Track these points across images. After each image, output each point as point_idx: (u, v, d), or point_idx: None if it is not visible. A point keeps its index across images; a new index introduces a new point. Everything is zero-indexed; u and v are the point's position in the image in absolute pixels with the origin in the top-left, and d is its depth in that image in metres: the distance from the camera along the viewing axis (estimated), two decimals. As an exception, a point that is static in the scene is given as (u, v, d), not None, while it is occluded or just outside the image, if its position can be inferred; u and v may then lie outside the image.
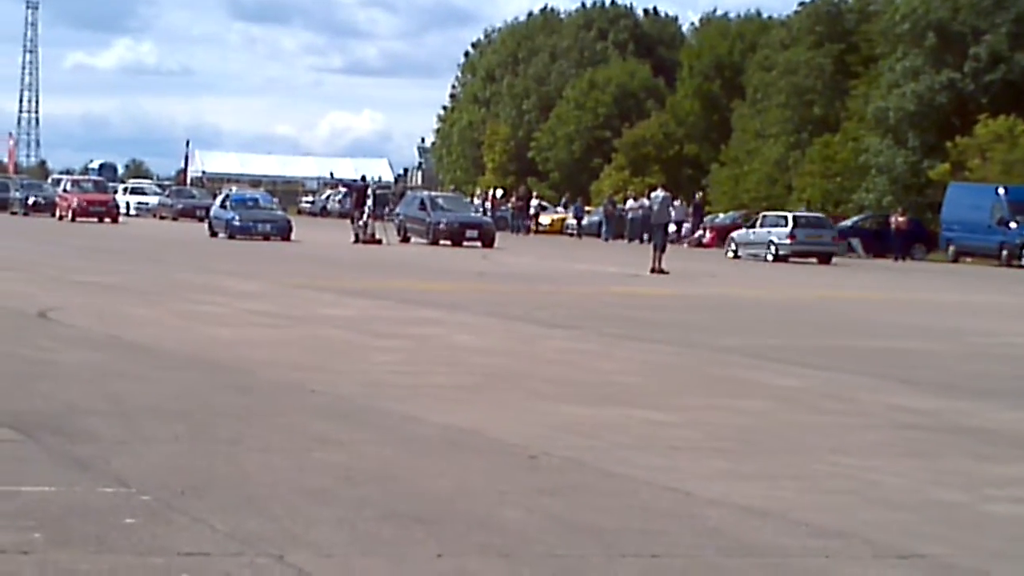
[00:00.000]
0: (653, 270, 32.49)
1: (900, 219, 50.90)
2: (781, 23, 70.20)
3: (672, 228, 36.42)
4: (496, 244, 45.66)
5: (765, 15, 76.42)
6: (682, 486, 7.69)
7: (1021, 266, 39.45)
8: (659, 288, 28.41)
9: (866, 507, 7.40)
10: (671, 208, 36.92)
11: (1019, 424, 11.18)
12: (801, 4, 66.49)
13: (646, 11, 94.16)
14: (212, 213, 48.06)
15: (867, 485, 8.04)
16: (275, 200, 57.70)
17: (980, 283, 37.30)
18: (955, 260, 44.70)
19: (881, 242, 51.51)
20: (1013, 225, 47.37)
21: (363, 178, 48.77)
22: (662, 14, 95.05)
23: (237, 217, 44.39)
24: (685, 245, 54.65)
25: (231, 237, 43.40)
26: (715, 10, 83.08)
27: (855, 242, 52.22)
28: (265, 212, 47.29)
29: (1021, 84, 54.39)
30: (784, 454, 9.19)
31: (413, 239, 47.14)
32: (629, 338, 17.34)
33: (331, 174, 52.04)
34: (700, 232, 57.17)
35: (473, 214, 50.81)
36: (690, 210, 58.60)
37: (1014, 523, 7.27)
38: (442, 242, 45.39)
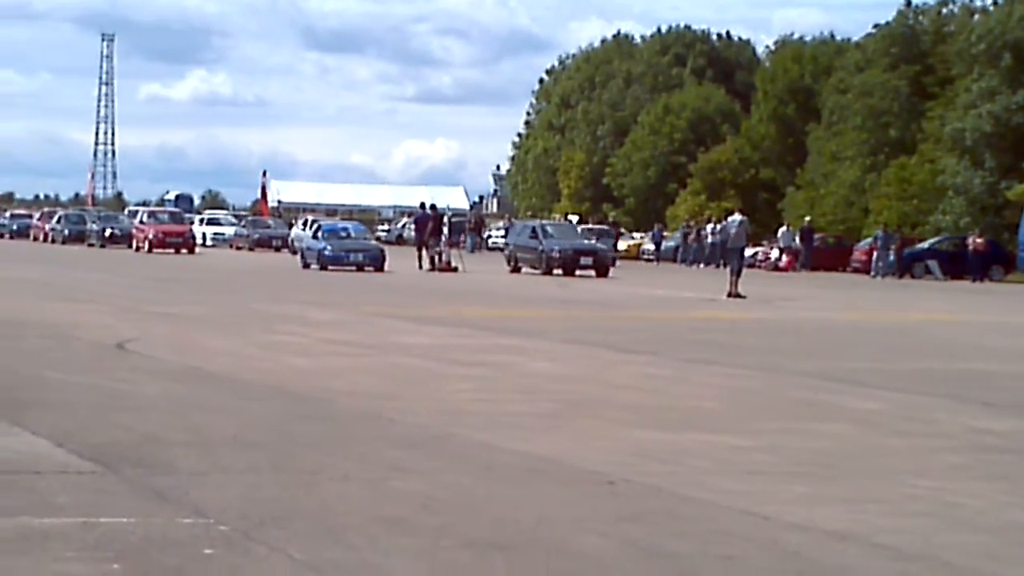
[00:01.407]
0: (730, 294, 32.29)
1: (978, 240, 50.26)
2: (856, 45, 69.92)
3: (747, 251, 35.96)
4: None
5: (840, 37, 77.00)
6: (761, 510, 7.62)
7: (551, 272, 42.61)
8: (737, 312, 28.24)
9: (947, 530, 7.30)
10: (748, 231, 36.52)
11: None
12: (876, 26, 66.68)
13: (720, 35, 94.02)
14: (304, 244, 47.68)
15: (948, 507, 7.93)
16: (366, 230, 56.49)
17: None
18: (515, 268, 46.67)
19: (958, 264, 50.81)
20: None
21: (433, 207, 47.86)
22: (736, 38, 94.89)
23: (329, 247, 43.45)
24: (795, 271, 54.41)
25: (323, 268, 42.77)
26: (792, 33, 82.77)
27: (932, 264, 51.94)
28: (358, 242, 46.00)
29: None
30: (864, 478, 9.08)
31: (524, 269, 45.41)
32: (706, 362, 17.27)
33: (422, 204, 49.92)
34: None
35: (586, 241, 48.02)
36: (797, 236, 57.45)
37: None
38: (555, 272, 43.36)
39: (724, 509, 7.69)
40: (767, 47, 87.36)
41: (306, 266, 44.70)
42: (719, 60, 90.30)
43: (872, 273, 51.20)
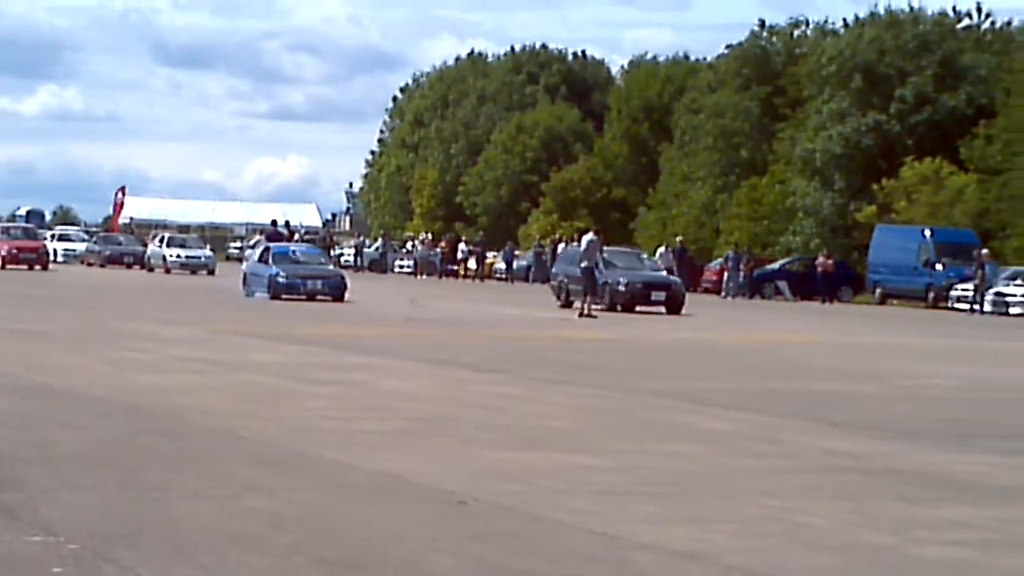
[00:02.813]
0: (582, 314, 32.58)
1: (827, 261, 51.05)
2: (709, 66, 70.89)
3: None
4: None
5: (693, 58, 78.21)
6: (611, 530, 7.68)
7: (947, 308, 39.56)
8: (588, 332, 28.50)
9: (796, 550, 7.44)
10: (601, 250, 36.89)
11: (947, 466, 11.24)
12: (728, 47, 67.52)
13: (575, 55, 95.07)
14: (247, 268, 41.03)
15: (796, 528, 8.08)
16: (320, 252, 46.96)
17: (906, 325, 37.82)
18: (882, 302, 45.08)
19: (808, 284, 51.71)
20: (939, 267, 48.03)
21: (286, 224, 46.41)
22: (591, 58, 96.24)
23: (281, 273, 37.17)
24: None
25: (275, 297, 36.49)
26: (645, 53, 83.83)
27: (782, 285, 52.85)
28: (313, 267, 39.38)
29: (947, 126, 54.87)
30: (713, 497, 9.22)
31: (577, 302, 35.88)
32: (558, 382, 17.43)
33: (273, 222, 47.81)
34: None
35: (655, 272, 40.99)
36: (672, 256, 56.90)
37: (943, 566, 7.29)
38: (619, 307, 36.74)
39: (574, 529, 7.74)
40: (621, 67, 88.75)
41: (250, 295, 38.22)
42: (574, 80, 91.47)
43: (723, 294, 52.10)
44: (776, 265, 54.92)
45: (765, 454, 11.56)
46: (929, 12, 59.13)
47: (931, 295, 47.78)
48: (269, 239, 46.16)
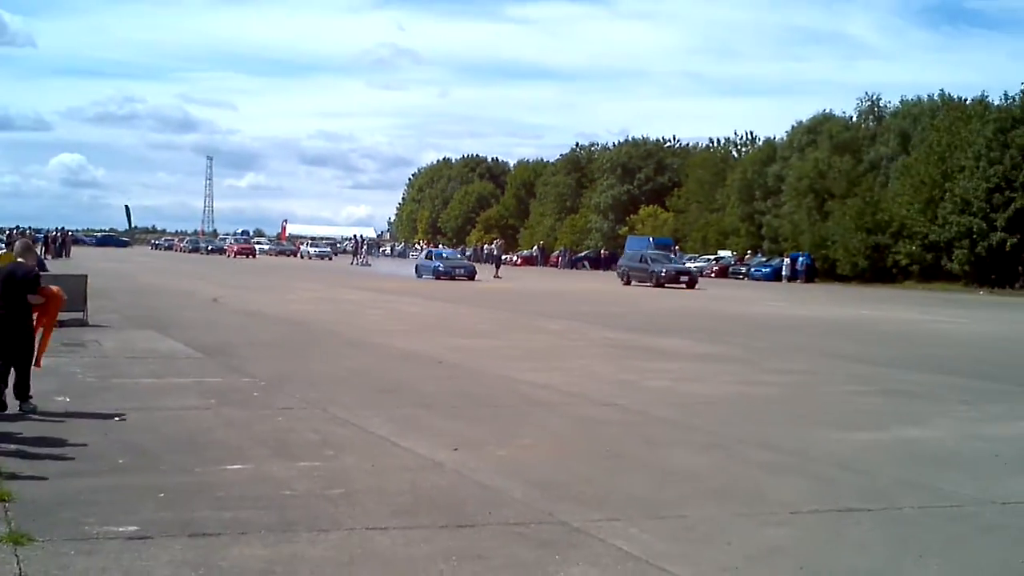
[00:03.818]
0: (495, 276, 56.66)
1: (605, 252, 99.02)
2: (553, 164, 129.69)
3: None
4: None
5: (545, 159, 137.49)
6: (508, 374, 16.87)
7: (662, 285, 58.53)
8: (502, 286, 41.23)
9: (591, 383, 16.51)
10: (502, 250, 55.38)
11: (667, 345, 21.42)
12: (562, 155, 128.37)
13: (494, 159, 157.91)
14: (418, 262, 63.72)
15: (591, 373, 17.34)
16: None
17: (640, 289, 54.74)
18: (627, 282, 65.31)
19: (597, 264, 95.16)
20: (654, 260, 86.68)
21: (361, 236, 72.03)
22: (501, 160, 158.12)
23: (441, 265, 59.07)
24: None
25: (438, 278, 56.79)
26: (524, 159, 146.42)
27: (585, 263, 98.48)
28: (458, 261, 64.27)
29: (661, 191, 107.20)
30: (555, 359, 18.72)
31: (634, 283, 59.15)
32: (489, 307, 30.27)
33: (355, 236, 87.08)
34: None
35: (681, 265, 65.63)
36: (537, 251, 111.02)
37: (659, 390, 16.28)
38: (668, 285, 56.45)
39: (490, 374, 16.93)
40: (513, 165, 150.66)
41: (419, 276, 58.90)
42: (492, 171, 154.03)
43: (559, 266, 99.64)
44: (582, 254, 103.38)
45: (577, 339, 22.01)
46: (654, 138, 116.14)
47: (654, 277, 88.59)
48: (356, 242, 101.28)
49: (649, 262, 60.61)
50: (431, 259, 62.08)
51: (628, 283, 59.78)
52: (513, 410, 13.51)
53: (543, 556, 7.17)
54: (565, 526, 7.90)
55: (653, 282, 57.43)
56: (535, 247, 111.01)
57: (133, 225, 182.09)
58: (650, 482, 9.47)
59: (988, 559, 7.57)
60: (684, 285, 57.38)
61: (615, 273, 66.36)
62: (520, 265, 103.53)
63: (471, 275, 58.34)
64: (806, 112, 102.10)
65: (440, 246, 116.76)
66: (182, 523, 7.61)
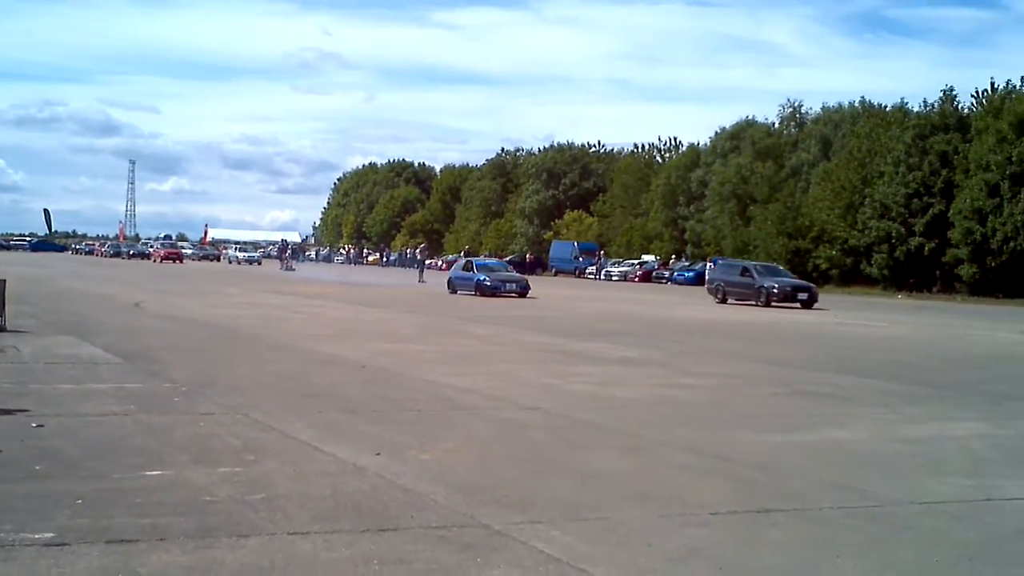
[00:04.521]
0: (419, 280, 52.97)
1: (530, 257, 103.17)
2: (479, 168, 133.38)
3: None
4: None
5: (471, 164, 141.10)
6: (431, 379, 16.86)
7: (584, 278, 65.36)
8: (428, 289, 40.52)
9: (514, 387, 16.55)
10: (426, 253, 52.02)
11: (590, 349, 21.54)
12: (488, 160, 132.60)
13: (420, 164, 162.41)
14: (452, 275, 52.38)
15: (516, 377, 17.38)
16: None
17: (568, 286, 61.76)
18: (555, 275, 72.38)
19: (522, 268, 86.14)
20: (580, 260, 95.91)
21: (285, 240, 66.97)
22: (428, 165, 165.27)
23: (487, 279, 48.29)
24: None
25: (483, 295, 46.92)
26: (451, 163, 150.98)
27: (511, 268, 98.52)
28: (510, 274, 51.52)
29: (586, 196, 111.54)
30: (479, 364, 18.71)
31: (732, 300, 48.79)
32: (410, 312, 30.16)
33: (282, 240, 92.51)
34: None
35: (795, 280, 51.16)
36: (462, 256, 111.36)
37: (583, 394, 16.35)
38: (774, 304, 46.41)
39: (414, 378, 16.91)
40: (439, 171, 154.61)
41: (453, 292, 49.59)
42: (418, 175, 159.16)
43: (530, 274, 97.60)
44: (508, 259, 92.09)
45: (503, 343, 21.90)
46: (579, 143, 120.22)
47: (577, 272, 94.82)
48: (281, 247, 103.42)
49: (755, 275, 48.70)
50: (472, 270, 50.43)
51: (723, 300, 49.08)
52: (437, 414, 13.50)
53: (465, 559, 7.18)
54: (487, 529, 7.91)
55: (760, 300, 46.70)
56: (461, 252, 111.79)
57: (53, 229, 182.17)
58: (572, 485, 9.50)
59: (904, 559, 7.69)
60: (799, 304, 46.12)
61: (705, 289, 54.59)
62: (445, 270, 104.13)
63: (523, 291, 48.04)
64: (729, 118, 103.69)
65: (349, 248, 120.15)
66: (100, 530, 7.53)
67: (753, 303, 46.69)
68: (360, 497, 8.77)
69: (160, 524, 7.71)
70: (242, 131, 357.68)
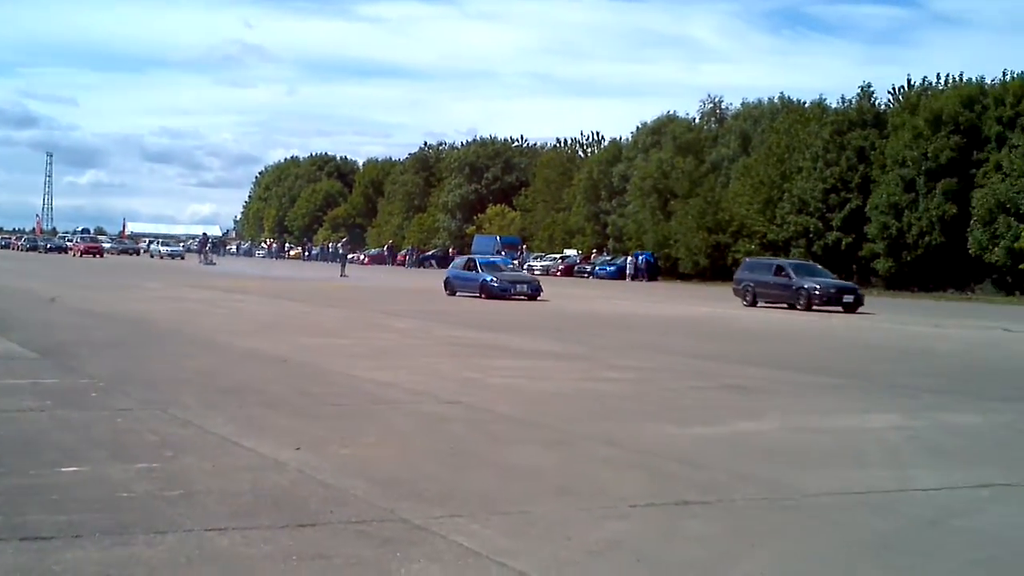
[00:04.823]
0: (342, 275, 51.06)
1: (453, 251, 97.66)
2: (401, 163, 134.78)
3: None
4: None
5: (394, 159, 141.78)
6: (352, 372, 16.81)
7: (812, 308, 57.70)
8: (348, 283, 39.79)
9: (436, 381, 16.53)
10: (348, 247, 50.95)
11: (512, 343, 21.55)
12: (411, 154, 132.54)
13: (343, 157, 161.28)
14: (451, 274, 47.62)
15: (436, 371, 17.38)
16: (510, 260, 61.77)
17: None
18: (752, 302, 65.75)
19: (446, 261, 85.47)
20: (503, 254, 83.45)
21: (206, 234, 67.61)
22: (350, 159, 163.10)
23: (495, 280, 43.49)
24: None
25: (490, 297, 42.38)
26: (373, 158, 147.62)
27: (433, 262, 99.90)
28: (519, 273, 47.08)
29: (508, 191, 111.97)
30: (399, 358, 18.69)
31: (762, 303, 44.47)
32: (328, 305, 29.75)
33: (204, 234, 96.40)
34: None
35: (838, 281, 46.63)
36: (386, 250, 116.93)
37: (504, 388, 16.36)
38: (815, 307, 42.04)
39: (335, 371, 16.85)
40: (362, 164, 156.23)
41: (452, 294, 45.06)
42: (341, 169, 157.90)
43: (407, 265, 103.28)
44: (430, 253, 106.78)
45: (425, 338, 21.82)
46: (502, 138, 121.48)
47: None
48: (202, 241, 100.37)
49: (792, 275, 43.77)
50: (475, 269, 45.59)
51: (753, 303, 44.53)
52: (357, 409, 13.47)
53: (384, 554, 7.17)
54: (407, 524, 7.91)
55: (801, 303, 42.00)
56: (385, 246, 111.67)
57: None
58: (493, 479, 9.53)
59: (816, 546, 7.79)
60: (841, 308, 41.53)
61: (731, 290, 48.36)
62: (368, 264, 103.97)
63: (535, 293, 43.28)
64: (651, 113, 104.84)
65: (271, 242, 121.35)
66: (13, 527, 7.43)
67: (788, 306, 42.60)
68: (280, 492, 8.73)
69: (76, 521, 7.62)
70: (162, 124, 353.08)
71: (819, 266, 50.13)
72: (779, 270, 44.49)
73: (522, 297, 42.31)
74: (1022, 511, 9.27)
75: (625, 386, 16.49)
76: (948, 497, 9.50)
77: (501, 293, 42.35)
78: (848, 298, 41.71)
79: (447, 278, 47.05)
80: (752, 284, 44.83)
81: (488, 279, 43.44)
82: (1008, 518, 8.89)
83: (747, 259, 52.32)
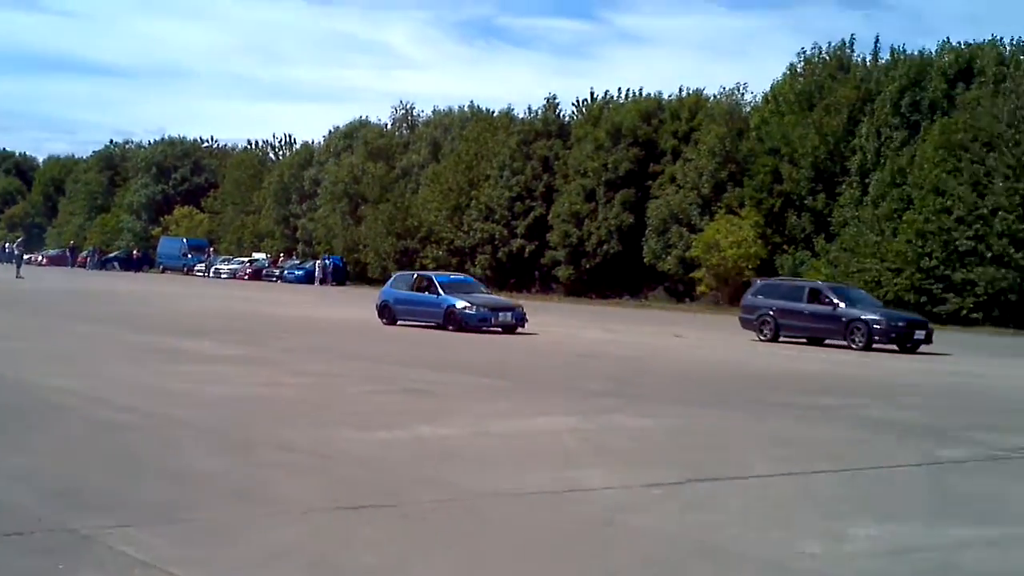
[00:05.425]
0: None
1: (138, 253, 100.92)
2: (86, 160, 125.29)
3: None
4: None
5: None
6: (26, 378, 16.11)
7: (191, 275, 64.24)
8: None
9: (113, 387, 15.99)
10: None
11: (195, 347, 21.29)
12: (95, 151, 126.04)
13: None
14: (390, 296, 35.28)
15: (113, 377, 16.85)
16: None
17: (180, 283, 51.01)
18: (164, 272, 72.65)
19: (129, 264, 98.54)
20: (190, 256, 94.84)
21: None
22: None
23: (469, 308, 32.56)
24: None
25: (460, 330, 32.04)
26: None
27: (116, 264, 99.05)
28: (496, 299, 35.42)
29: (197, 192, 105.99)
30: (77, 363, 18.12)
31: (784, 336, 33.69)
32: (11, 311, 26.10)
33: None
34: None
35: (902, 311, 36.41)
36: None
37: (182, 393, 15.91)
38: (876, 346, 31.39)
39: (8, 377, 16.10)
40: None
41: (390, 323, 34.29)
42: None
43: (88, 267, 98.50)
44: (113, 255, 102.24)
45: (104, 342, 21.30)
46: (192, 138, 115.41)
47: (185, 269, 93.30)
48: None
49: (836, 301, 32.67)
50: (434, 291, 33.75)
51: (774, 337, 33.50)
52: (28, 415, 12.98)
53: (47, 566, 6.95)
54: (74, 534, 7.68)
55: (858, 341, 31.35)
56: (67, 247, 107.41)
57: None
58: (166, 486, 9.36)
59: (492, 549, 7.98)
60: (900, 349, 31.09)
61: (738, 320, 35.98)
62: (46, 265, 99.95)
63: (519, 322, 32.63)
64: (346, 118, 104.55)
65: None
66: None
67: (836, 343, 32.17)
68: (-64, 504, 8.33)
69: None
70: None
71: (862, 290, 39.30)
72: (815, 294, 33.38)
73: (498, 330, 32.49)
74: (693, 509, 9.69)
75: (304, 390, 16.48)
76: (622, 496, 9.86)
77: (478, 324, 32.30)
78: (920, 333, 31.73)
79: (384, 302, 35.05)
80: (773, 313, 33.80)
81: (457, 306, 32.66)
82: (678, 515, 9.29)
83: (758, 280, 38.65)
